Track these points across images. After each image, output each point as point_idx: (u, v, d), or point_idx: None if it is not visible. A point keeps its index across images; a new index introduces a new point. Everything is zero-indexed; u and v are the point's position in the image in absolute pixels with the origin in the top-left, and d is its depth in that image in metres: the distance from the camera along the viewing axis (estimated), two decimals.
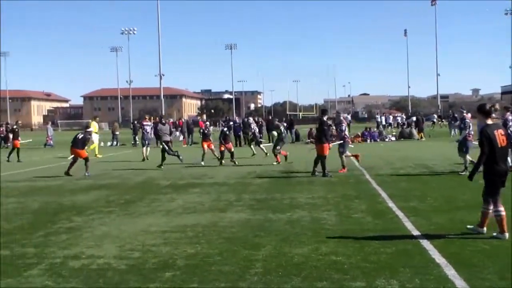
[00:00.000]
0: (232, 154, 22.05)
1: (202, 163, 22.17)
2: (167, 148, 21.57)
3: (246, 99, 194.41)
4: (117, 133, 42.68)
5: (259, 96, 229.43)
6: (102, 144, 34.91)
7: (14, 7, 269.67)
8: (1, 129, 28.70)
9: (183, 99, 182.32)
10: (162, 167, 20.92)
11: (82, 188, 15.61)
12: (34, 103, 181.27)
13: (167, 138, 22.54)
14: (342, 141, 18.37)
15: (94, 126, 28.82)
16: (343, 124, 18.90)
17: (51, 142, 43.09)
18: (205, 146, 23.18)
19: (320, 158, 16.99)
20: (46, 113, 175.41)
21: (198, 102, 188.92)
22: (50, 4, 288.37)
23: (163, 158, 21.25)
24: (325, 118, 17.44)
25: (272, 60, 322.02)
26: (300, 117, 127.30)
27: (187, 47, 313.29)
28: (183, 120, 48.66)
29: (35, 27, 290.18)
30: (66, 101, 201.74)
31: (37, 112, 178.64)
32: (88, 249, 8.14)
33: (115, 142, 41.72)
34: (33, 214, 11.51)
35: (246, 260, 7.32)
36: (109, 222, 10.39)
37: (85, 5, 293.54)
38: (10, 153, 27.44)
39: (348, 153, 18.81)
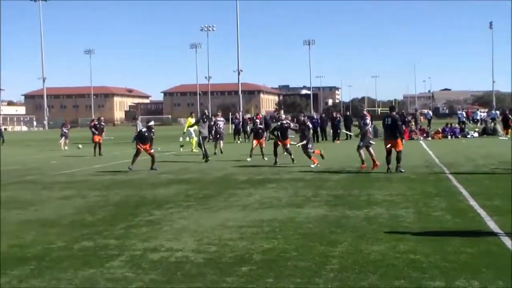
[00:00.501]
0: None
1: (249, 159, 22.32)
2: (202, 142, 22.79)
3: (324, 94, 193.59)
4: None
5: (337, 92, 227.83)
6: (181, 139, 35.51)
7: (101, 6, 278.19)
8: (92, 124, 29.76)
9: (261, 95, 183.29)
10: (209, 158, 22.41)
11: (162, 182, 15.94)
12: (116, 99, 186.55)
13: (205, 134, 23.42)
14: (363, 136, 18.13)
15: (190, 122, 29.77)
16: (367, 118, 18.56)
17: None
18: (255, 142, 23.28)
19: (398, 154, 16.88)
20: (128, 109, 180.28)
21: (276, 98, 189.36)
22: (132, 4, 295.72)
23: (205, 152, 22.43)
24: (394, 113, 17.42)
25: (350, 56, 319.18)
26: (379, 113, 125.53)
27: (265, 43, 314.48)
28: (261, 115, 48.87)
29: (119, 25, 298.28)
30: (147, 97, 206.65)
31: (119, 107, 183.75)
32: (167, 242, 8.31)
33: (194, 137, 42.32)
34: (115, 207, 11.86)
35: (322, 256, 7.29)
36: (187, 216, 10.58)
37: (165, 4, 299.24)
38: (94, 149, 28.28)
39: (362, 152, 17.93)
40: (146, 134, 19.49)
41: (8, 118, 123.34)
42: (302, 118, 20.39)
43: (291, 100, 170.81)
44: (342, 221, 9.61)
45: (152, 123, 20.39)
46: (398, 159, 16.96)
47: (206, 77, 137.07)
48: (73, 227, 9.66)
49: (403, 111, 57.70)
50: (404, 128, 18.06)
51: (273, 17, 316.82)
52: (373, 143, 18.63)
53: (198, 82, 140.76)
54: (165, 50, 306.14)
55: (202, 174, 17.86)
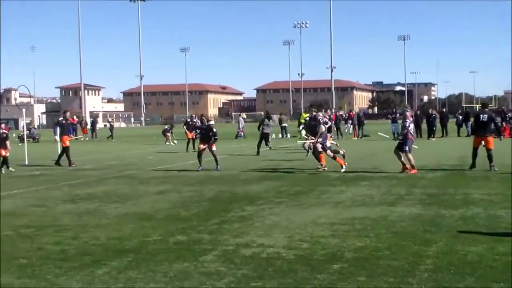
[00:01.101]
0: None
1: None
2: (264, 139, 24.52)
3: (419, 91, 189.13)
4: (284, 124, 43.20)
5: (433, 88, 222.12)
6: (273, 136, 35.66)
7: (196, 5, 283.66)
8: (193, 121, 30.30)
9: (354, 92, 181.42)
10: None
11: (255, 178, 16.08)
12: (210, 96, 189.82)
13: (268, 130, 24.94)
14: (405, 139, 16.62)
15: (304, 117, 30.25)
16: (407, 120, 16.97)
17: (242, 133, 44.70)
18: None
19: (489, 152, 16.50)
20: (221, 106, 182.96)
21: (369, 94, 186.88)
22: (227, 4, 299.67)
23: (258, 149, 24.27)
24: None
25: (447, 51, 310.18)
26: (476, 109, 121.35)
27: (359, 39, 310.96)
28: (353, 112, 48.44)
29: (213, 23, 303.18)
30: (240, 94, 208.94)
31: (213, 104, 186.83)
32: (259, 238, 8.37)
33: (284, 134, 42.44)
34: (209, 202, 12.06)
35: (416, 255, 7.13)
36: (279, 212, 10.62)
37: (259, 2, 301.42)
38: (187, 145, 28.81)
39: (410, 155, 16.55)
40: (204, 132, 19.33)
41: (108, 115, 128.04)
42: (314, 113, 18.68)
43: (384, 96, 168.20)
44: (436, 220, 9.37)
45: (212, 122, 20.14)
46: (490, 157, 16.41)
47: (299, 74, 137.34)
48: (168, 221, 9.91)
49: (503, 108, 55.46)
50: (504, 125, 17.37)
51: (367, 13, 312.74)
52: (416, 147, 17.68)
53: (290, 79, 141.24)
54: (258, 48, 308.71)
55: (294, 171, 17.88)
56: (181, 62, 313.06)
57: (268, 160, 22.26)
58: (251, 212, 10.62)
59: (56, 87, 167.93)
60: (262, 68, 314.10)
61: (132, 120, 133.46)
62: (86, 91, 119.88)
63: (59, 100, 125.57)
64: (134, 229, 9.26)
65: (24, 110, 21.20)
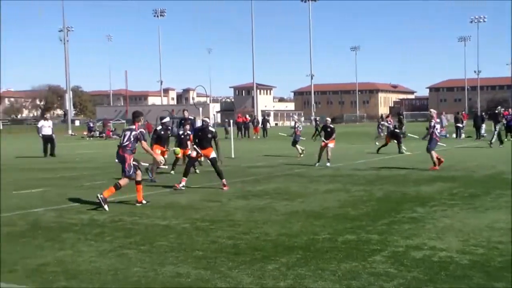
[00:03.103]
0: None
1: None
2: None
3: None
4: (459, 125, 41.20)
5: None
6: (447, 136, 34.37)
7: (367, 4, 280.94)
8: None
9: None
10: None
11: (426, 179, 15.61)
12: (381, 95, 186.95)
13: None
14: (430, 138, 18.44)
15: None
16: (433, 121, 18.62)
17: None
18: None
19: None
20: (392, 105, 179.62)
21: None
22: (397, 3, 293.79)
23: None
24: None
25: None
26: None
27: None
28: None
29: (384, 21, 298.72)
30: (412, 92, 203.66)
31: (384, 103, 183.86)
32: (430, 241, 8.11)
33: (459, 135, 40.60)
34: (378, 202, 11.89)
35: None
36: (452, 215, 10.21)
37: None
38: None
39: (434, 154, 18.34)
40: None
41: (279, 114, 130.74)
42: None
43: None
44: None
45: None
46: None
47: (475, 71, 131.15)
48: (337, 220, 9.91)
49: None
50: None
51: None
52: (444, 145, 18.77)
53: (466, 76, 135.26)
54: (431, 45, 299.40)
55: (466, 172, 17.13)
56: (351, 60, 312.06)
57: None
58: (422, 214, 10.32)
59: (230, 87, 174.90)
60: (435, 66, 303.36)
61: (303, 119, 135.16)
62: (258, 91, 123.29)
63: (233, 99, 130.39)
64: (303, 226, 9.37)
65: (201, 109, 22.29)
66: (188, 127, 19.01)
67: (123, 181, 11.74)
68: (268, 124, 55.26)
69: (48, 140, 28.16)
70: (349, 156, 24.39)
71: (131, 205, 11.83)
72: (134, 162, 11.80)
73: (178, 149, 17.80)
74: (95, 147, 38.07)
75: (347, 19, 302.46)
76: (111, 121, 67.08)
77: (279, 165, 21.05)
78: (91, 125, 61.25)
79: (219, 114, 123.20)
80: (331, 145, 20.18)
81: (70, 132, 67.40)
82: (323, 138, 20.61)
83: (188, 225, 9.64)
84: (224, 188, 14.24)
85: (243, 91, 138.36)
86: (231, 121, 31.97)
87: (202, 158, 16.73)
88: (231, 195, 13.12)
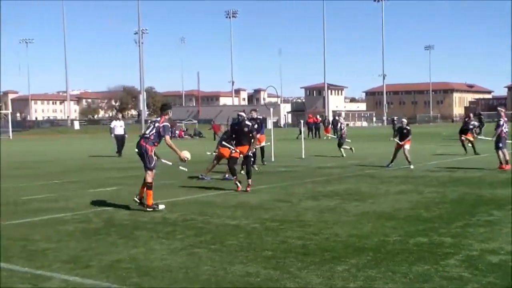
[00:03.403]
0: None
1: None
2: None
3: None
4: None
5: None
6: None
7: (436, 5, 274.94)
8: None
9: None
10: None
11: (502, 181, 15.13)
12: (456, 95, 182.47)
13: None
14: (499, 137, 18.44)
15: None
16: (501, 120, 18.64)
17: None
18: None
19: None
20: (468, 105, 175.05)
21: None
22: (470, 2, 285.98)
23: None
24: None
25: None
26: None
27: None
28: None
29: (457, 19, 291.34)
30: (489, 92, 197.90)
31: (459, 103, 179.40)
32: (507, 245, 7.85)
33: None
34: (452, 204, 11.61)
35: None
36: None
37: None
38: None
39: (506, 153, 18.50)
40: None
41: (350, 114, 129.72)
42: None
43: None
44: None
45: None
46: None
47: None
48: (408, 221, 9.73)
49: None
50: None
51: None
52: (510, 141, 18.64)
53: None
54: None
55: None
56: (425, 60, 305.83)
57: None
58: (499, 217, 10.01)
59: (301, 87, 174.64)
60: None
61: (374, 119, 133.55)
62: (329, 91, 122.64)
63: (303, 100, 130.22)
64: (373, 227, 9.25)
65: (271, 109, 22.35)
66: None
67: (149, 176, 11.32)
68: (339, 125, 54.64)
69: (120, 139, 28.86)
70: (421, 157, 23.87)
71: (203, 204, 11.98)
72: (154, 156, 11.45)
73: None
74: (166, 147, 38.68)
75: (420, 18, 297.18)
76: (182, 122, 68.01)
77: (350, 166, 20.85)
78: None
79: (289, 115, 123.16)
80: (407, 146, 19.77)
81: (143, 131, 68.87)
82: (396, 139, 20.26)
83: (258, 225, 9.68)
84: (247, 189, 13.95)
85: (314, 92, 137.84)
86: (302, 121, 31.89)
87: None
88: (301, 196, 13.09)
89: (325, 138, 47.71)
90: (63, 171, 20.07)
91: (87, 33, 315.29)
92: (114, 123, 30.02)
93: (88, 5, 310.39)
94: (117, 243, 8.42)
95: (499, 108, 19.95)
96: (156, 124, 11.47)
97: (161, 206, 11.30)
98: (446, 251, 7.59)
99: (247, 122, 14.46)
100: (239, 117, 14.62)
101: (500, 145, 18.33)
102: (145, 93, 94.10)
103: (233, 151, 14.51)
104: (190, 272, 6.77)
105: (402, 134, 20.12)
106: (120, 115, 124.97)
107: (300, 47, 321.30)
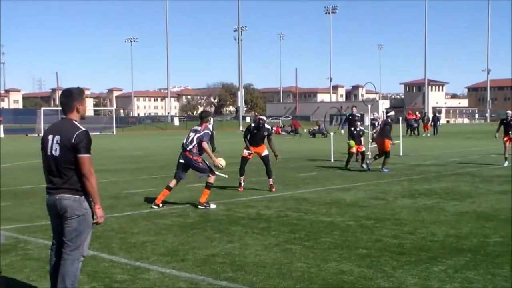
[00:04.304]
0: None
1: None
2: None
3: None
4: None
5: None
6: None
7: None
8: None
9: None
10: None
11: None
12: None
13: None
14: None
15: None
16: None
17: None
18: None
19: None
20: None
21: None
22: None
23: None
24: None
25: None
26: None
27: None
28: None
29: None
30: None
31: None
32: None
33: None
34: None
35: None
36: None
37: None
38: None
39: None
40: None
41: (451, 111, 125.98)
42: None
43: None
44: None
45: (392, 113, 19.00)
46: None
47: None
48: (509, 223, 9.36)
49: None
50: None
51: None
52: None
53: None
54: None
55: None
56: None
57: None
58: None
59: (400, 83, 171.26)
60: None
61: (476, 116, 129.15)
62: (429, 87, 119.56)
63: (402, 96, 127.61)
64: (472, 228, 8.98)
65: (369, 106, 22.05)
66: (359, 123, 19.44)
67: (211, 179, 11.42)
68: (439, 122, 53.23)
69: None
70: None
71: (297, 201, 12.02)
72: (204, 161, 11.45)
73: (352, 142, 18.87)
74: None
75: None
76: (279, 118, 68.30)
77: (449, 164, 20.29)
78: None
79: (385, 111, 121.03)
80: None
81: (241, 128, 69.72)
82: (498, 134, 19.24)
83: (352, 222, 9.62)
84: (272, 189, 13.66)
85: (414, 88, 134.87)
86: (400, 118, 31.29)
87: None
88: (397, 194, 12.88)
89: (423, 135, 46.60)
90: (163, 166, 20.66)
91: (187, 31, 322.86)
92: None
93: (189, 3, 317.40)
94: (212, 237, 8.60)
95: None
96: (198, 135, 11.46)
97: (213, 206, 11.41)
98: None
99: (267, 126, 14.24)
100: (260, 121, 14.20)
101: None
102: (243, 89, 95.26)
103: (244, 153, 14.24)
104: (283, 268, 6.82)
105: (509, 127, 18.99)
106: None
107: (400, 42, 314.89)
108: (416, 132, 47.92)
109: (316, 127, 49.56)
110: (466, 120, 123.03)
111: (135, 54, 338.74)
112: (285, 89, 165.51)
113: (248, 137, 14.14)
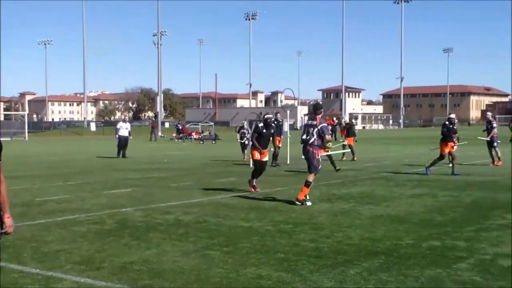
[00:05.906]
0: None
1: None
2: None
3: None
4: None
5: None
6: None
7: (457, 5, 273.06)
8: None
9: None
10: None
11: None
12: (473, 98, 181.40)
13: None
14: None
15: None
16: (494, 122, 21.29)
17: None
18: None
19: None
20: (484, 108, 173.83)
21: None
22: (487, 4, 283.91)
23: None
24: None
25: None
26: None
27: None
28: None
29: (474, 23, 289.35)
30: (506, 95, 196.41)
31: (475, 107, 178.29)
32: None
33: None
34: (466, 208, 11.56)
35: None
36: None
37: None
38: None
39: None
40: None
41: (367, 117, 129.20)
42: None
43: None
44: None
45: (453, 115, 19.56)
46: None
47: None
48: (421, 225, 9.69)
49: None
50: None
51: None
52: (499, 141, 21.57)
53: None
54: None
55: None
56: (443, 63, 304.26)
57: None
58: None
59: (318, 90, 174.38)
60: None
61: (391, 122, 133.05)
62: (346, 94, 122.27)
63: (320, 102, 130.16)
64: (386, 231, 9.23)
65: (288, 111, 22.27)
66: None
67: (311, 177, 12.12)
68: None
69: (122, 141, 28.90)
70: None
71: (216, 207, 12.01)
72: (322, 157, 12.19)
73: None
74: (183, 149, 38.88)
75: (439, 20, 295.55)
76: (198, 124, 68.15)
77: (365, 169, 20.80)
78: (180, 127, 62.46)
79: (306, 117, 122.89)
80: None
81: (160, 134, 69.00)
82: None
83: (271, 227, 9.69)
84: (256, 189, 14.27)
85: (331, 94, 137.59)
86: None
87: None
88: (315, 198, 13.05)
89: (341, 140, 47.56)
90: (79, 172, 20.20)
91: (105, 35, 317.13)
92: (120, 125, 30.02)
93: (107, 5, 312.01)
94: (130, 244, 8.46)
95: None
96: (315, 129, 12.03)
97: (308, 203, 11.93)
98: (458, 255, 7.55)
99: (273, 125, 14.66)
100: (268, 120, 14.47)
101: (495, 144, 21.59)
102: (162, 95, 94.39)
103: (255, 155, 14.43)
104: (202, 274, 6.79)
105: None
106: (127, 118, 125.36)
107: (317, 49, 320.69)
108: (333, 137, 48.79)
109: (207, 133, 53.36)
110: (381, 126, 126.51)
111: (50, 57, 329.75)
112: (205, 95, 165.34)
113: (256, 138, 14.28)
